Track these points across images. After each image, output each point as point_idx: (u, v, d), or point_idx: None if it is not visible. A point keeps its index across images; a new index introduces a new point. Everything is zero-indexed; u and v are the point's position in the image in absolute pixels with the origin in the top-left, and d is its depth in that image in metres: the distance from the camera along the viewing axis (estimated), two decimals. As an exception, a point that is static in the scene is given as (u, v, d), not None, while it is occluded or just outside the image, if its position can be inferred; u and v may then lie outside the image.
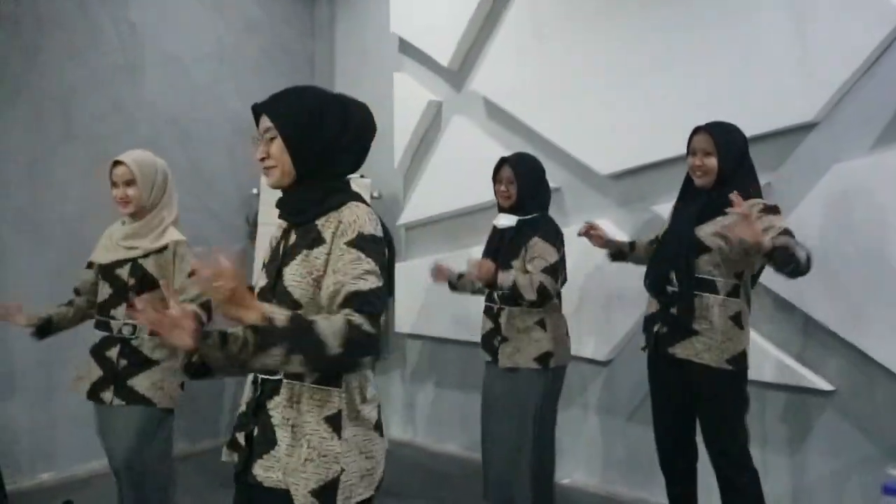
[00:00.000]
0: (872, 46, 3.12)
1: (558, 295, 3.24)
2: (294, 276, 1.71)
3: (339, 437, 1.69)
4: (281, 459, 1.68)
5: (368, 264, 1.64)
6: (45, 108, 4.19)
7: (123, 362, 2.79)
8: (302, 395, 1.70)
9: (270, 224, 4.78)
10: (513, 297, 3.05)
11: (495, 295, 3.22)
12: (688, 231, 2.90)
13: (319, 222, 1.74)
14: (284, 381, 1.71)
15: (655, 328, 2.99)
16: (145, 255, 2.81)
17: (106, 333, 2.85)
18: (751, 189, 2.87)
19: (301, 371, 1.61)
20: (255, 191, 5.01)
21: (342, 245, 1.67)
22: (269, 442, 1.70)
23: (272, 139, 1.74)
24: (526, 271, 3.09)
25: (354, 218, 1.70)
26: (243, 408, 1.81)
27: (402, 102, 4.91)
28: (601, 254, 3.48)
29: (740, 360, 2.84)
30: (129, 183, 2.79)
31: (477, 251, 4.25)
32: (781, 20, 3.36)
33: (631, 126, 3.81)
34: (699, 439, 2.99)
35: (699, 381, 2.87)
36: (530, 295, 3.01)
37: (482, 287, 3.29)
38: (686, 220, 2.94)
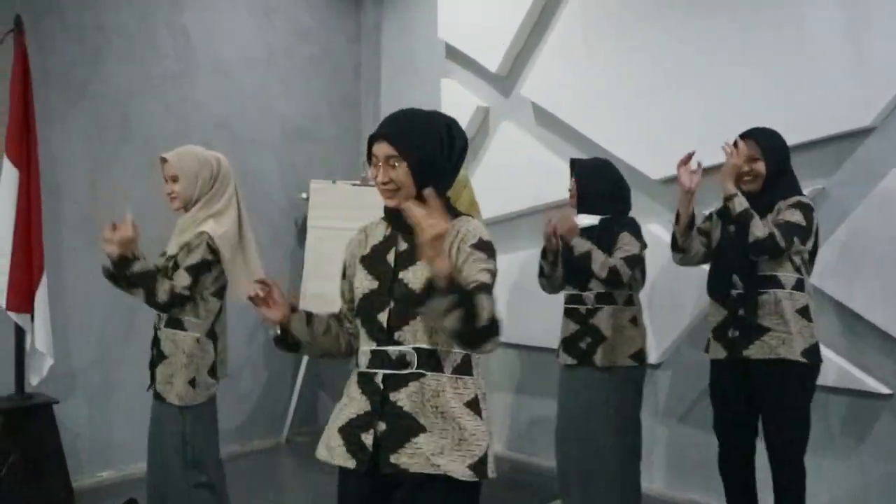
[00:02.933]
0: (931, 52, 3.15)
1: (630, 297, 3.28)
2: (417, 278, 1.84)
3: (481, 418, 1.86)
4: (429, 444, 1.79)
5: (489, 264, 1.82)
6: (105, 111, 4.30)
7: (153, 352, 2.90)
8: (445, 384, 1.84)
9: (319, 228, 4.90)
10: (580, 269, 3.11)
11: (584, 296, 3.26)
12: (742, 234, 2.93)
13: None
14: (426, 374, 1.83)
15: (729, 334, 2.99)
16: (181, 250, 2.84)
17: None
18: (791, 187, 2.98)
19: (447, 324, 1.68)
20: (303, 195, 5.09)
21: (467, 248, 1.83)
22: (408, 430, 1.81)
23: (394, 166, 1.86)
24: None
25: (473, 227, 1.89)
26: (355, 409, 1.88)
27: (449, 108, 4.96)
28: (652, 257, 3.50)
29: (814, 352, 2.89)
30: (174, 179, 2.85)
31: (525, 255, 4.32)
32: (836, 25, 3.38)
33: (682, 130, 3.84)
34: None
35: (770, 379, 2.90)
36: (600, 271, 3.08)
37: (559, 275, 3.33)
38: (729, 222, 2.98)
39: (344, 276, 2.08)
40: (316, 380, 5.34)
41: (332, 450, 1.93)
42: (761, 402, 2.97)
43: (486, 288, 1.75)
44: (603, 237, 3.20)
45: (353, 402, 1.91)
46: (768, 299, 2.90)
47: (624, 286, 3.16)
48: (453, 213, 1.93)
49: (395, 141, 1.85)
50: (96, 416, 4.25)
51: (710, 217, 3.23)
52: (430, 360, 1.84)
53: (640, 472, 3.33)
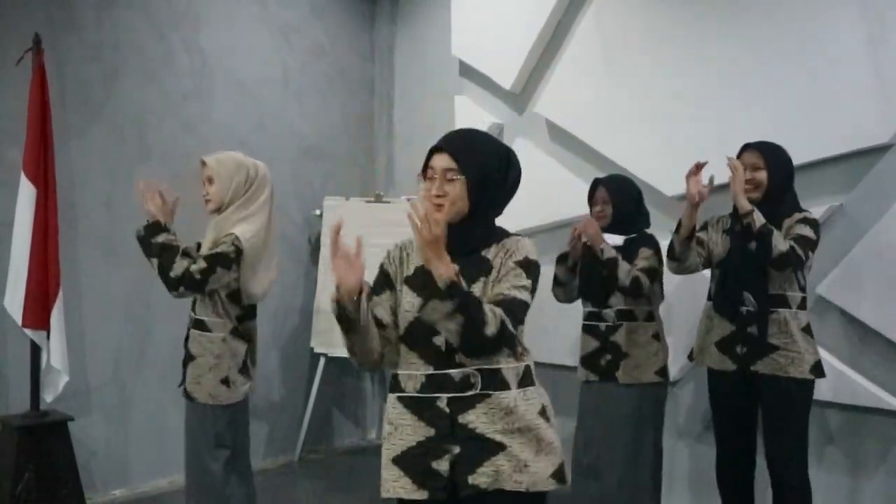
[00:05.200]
0: (950, 68, 3.12)
1: (650, 314, 3.29)
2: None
3: (551, 425, 1.91)
4: (510, 462, 1.81)
5: (527, 282, 1.85)
6: (122, 129, 4.34)
7: (184, 353, 2.97)
8: (516, 400, 1.85)
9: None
10: (607, 276, 3.13)
11: (604, 313, 3.26)
12: (750, 251, 2.95)
13: (486, 252, 1.91)
14: (493, 394, 1.83)
15: (738, 349, 3.02)
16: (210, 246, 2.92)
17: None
18: (795, 205, 3.04)
19: (448, 328, 1.70)
20: (317, 212, 5.10)
21: (510, 264, 1.86)
22: (486, 451, 1.81)
23: (452, 180, 1.87)
24: None
25: (522, 245, 1.91)
26: (416, 437, 1.85)
27: (463, 126, 4.94)
28: (666, 274, 3.49)
29: (819, 368, 2.95)
30: (210, 181, 2.93)
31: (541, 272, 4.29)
32: (854, 41, 3.36)
33: (697, 147, 3.80)
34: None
35: (779, 395, 2.94)
36: (625, 279, 3.11)
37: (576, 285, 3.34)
38: (745, 239, 2.98)
39: (386, 286, 1.98)
40: (330, 398, 5.32)
41: (392, 484, 1.88)
42: (765, 416, 3.01)
43: (512, 303, 1.77)
44: (626, 258, 3.22)
45: (405, 430, 1.87)
46: (777, 318, 2.94)
47: (643, 298, 3.17)
48: (504, 233, 1.96)
49: (458, 155, 1.86)
50: (111, 433, 4.26)
51: (703, 227, 3.24)
52: (495, 379, 1.84)
53: (660, 498, 3.32)
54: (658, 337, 3.25)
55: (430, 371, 1.85)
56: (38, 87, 3.62)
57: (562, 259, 3.37)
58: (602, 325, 3.26)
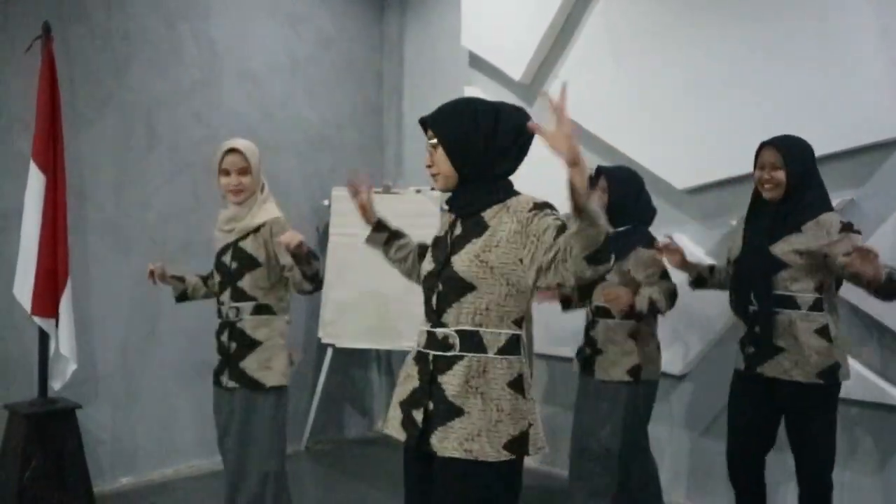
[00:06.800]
0: (965, 61, 3.09)
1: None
2: (462, 262, 1.91)
3: (524, 397, 1.92)
4: (464, 428, 1.85)
5: (554, 213, 1.88)
6: (131, 118, 4.33)
7: (233, 345, 2.90)
8: (487, 366, 1.89)
9: (340, 235, 4.90)
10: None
11: (589, 308, 3.28)
12: (762, 248, 2.92)
13: (485, 214, 1.95)
14: (468, 355, 1.89)
15: (746, 349, 3.00)
16: (244, 237, 2.90)
17: (220, 319, 2.98)
18: (821, 202, 2.92)
19: (589, 241, 1.69)
20: (325, 202, 5.09)
21: (526, 214, 1.87)
22: (448, 413, 1.88)
23: (435, 148, 1.97)
24: (631, 279, 3.14)
25: (522, 198, 1.94)
26: (411, 385, 1.98)
27: (472, 116, 4.95)
28: (675, 269, 3.46)
29: (832, 373, 2.84)
30: (243, 171, 2.89)
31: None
32: (868, 33, 3.32)
33: (708, 141, 3.80)
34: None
35: (789, 399, 2.89)
36: (666, 306, 3.11)
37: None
38: (759, 236, 2.96)
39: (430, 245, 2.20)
40: (336, 388, 5.32)
41: (390, 420, 2.04)
42: (786, 420, 2.96)
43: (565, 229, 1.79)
44: (619, 248, 3.18)
45: (409, 380, 2.01)
46: (783, 320, 2.88)
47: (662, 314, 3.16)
48: (508, 194, 1.97)
49: (432, 126, 1.98)
50: (119, 421, 4.27)
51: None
52: (473, 342, 1.89)
53: (660, 493, 3.31)
54: (635, 337, 3.15)
55: (428, 328, 1.98)
56: (47, 75, 3.62)
57: None
58: (587, 320, 3.30)
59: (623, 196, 3.22)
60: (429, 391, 1.92)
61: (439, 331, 1.93)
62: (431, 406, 1.91)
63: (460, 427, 1.85)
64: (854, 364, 3.35)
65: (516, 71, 4.68)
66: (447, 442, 1.86)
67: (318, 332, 5.01)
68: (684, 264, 3.28)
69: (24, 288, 3.59)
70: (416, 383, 1.97)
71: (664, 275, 3.17)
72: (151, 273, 3.08)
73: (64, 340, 3.61)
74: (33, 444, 3.50)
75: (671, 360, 3.99)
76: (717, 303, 3.65)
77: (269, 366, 2.87)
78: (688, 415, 4.03)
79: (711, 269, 3.34)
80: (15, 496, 3.44)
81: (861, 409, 3.38)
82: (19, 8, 3.90)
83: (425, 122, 2.02)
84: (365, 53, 5.57)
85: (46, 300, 3.57)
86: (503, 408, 1.87)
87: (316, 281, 2.84)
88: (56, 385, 3.70)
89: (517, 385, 1.91)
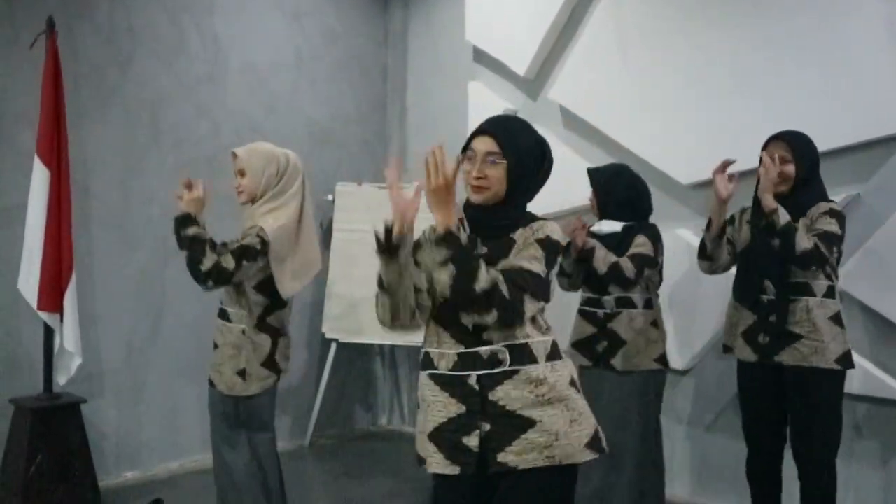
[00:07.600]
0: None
1: (649, 301, 3.28)
2: None
3: (581, 396, 1.94)
4: (541, 436, 1.83)
5: (540, 254, 1.87)
6: (135, 113, 4.34)
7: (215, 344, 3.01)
8: (544, 372, 1.88)
9: (344, 230, 4.90)
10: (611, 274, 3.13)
11: (604, 300, 3.26)
12: (788, 247, 2.89)
13: (515, 235, 1.94)
14: (522, 368, 1.86)
15: (760, 339, 2.98)
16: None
17: None
18: (820, 197, 2.98)
19: (433, 281, 1.75)
20: (329, 197, 5.09)
21: (532, 241, 1.89)
22: (516, 427, 1.84)
23: (494, 163, 1.89)
24: None
25: (549, 227, 1.94)
26: (446, 413, 1.89)
27: (476, 111, 4.93)
28: (681, 262, 3.46)
29: (847, 359, 2.88)
30: (242, 173, 2.92)
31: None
32: (873, 30, 3.32)
33: (712, 136, 3.79)
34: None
35: (806, 385, 2.89)
36: (601, 267, 3.11)
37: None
38: (768, 236, 2.93)
39: None
40: (341, 383, 5.33)
41: (428, 458, 1.93)
42: (791, 407, 2.96)
43: (517, 272, 1.81)
44: (623, 245, 3.21)
45: (436, 406, 1.91)
46: (800, 307, 2.89)
47: (631, 283, 3.14)
48: (533, 218, 1.98)
49: (502, 140, 1.89)
50: (123, 416, 4.28)
51: (731, 220, 3.20)
52: (523, 353, 1.87)
53: (664, 485, 3.30)
54: (656, 324, 3.24)
55: (461, 350, 1.88)
56: (51, 70, 3.62)
57: (566, 250, 3.36)
58: (600, 312, 3.25)
59: (607, 193, 3.27)
60: (481, 412, 1.85)
61: (483, 349, 1.86)
62: (488, 426, 1.84)
63: (536, 437, 1.83)
64: (861, 360, 3.35)
65: (520, 66, 4.67)
66: (526, 454, 1.83)
67: (322, 327, 5.02)
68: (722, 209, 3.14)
69: (28, 283, 3.60)
70: (457, 409, 1.87)
71: (634, 256, 3.14)
72: (189, 185, 2.93)
73: (69, 335, 3.62)
74: (38, 439, 3.52)
75: (676, 355, 3.99)
76: (717, 297, 3.66)
77: (219, 371, 2.94)
78: (690, 410, 4.03)
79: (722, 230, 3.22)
80: (20, 490, 3.46)
81: (868, 404, 3.39)
82: (23, 3, 3.90)
83: (483, 131, 1.93)
84: (369, 48, 5.57)
85: (51, 295, 3.58)
86: (573, 407, 1.88)
87: (191, 266, 2.77)
88: (61, 380, 3.71)
89: (574, 385, 1.93)
